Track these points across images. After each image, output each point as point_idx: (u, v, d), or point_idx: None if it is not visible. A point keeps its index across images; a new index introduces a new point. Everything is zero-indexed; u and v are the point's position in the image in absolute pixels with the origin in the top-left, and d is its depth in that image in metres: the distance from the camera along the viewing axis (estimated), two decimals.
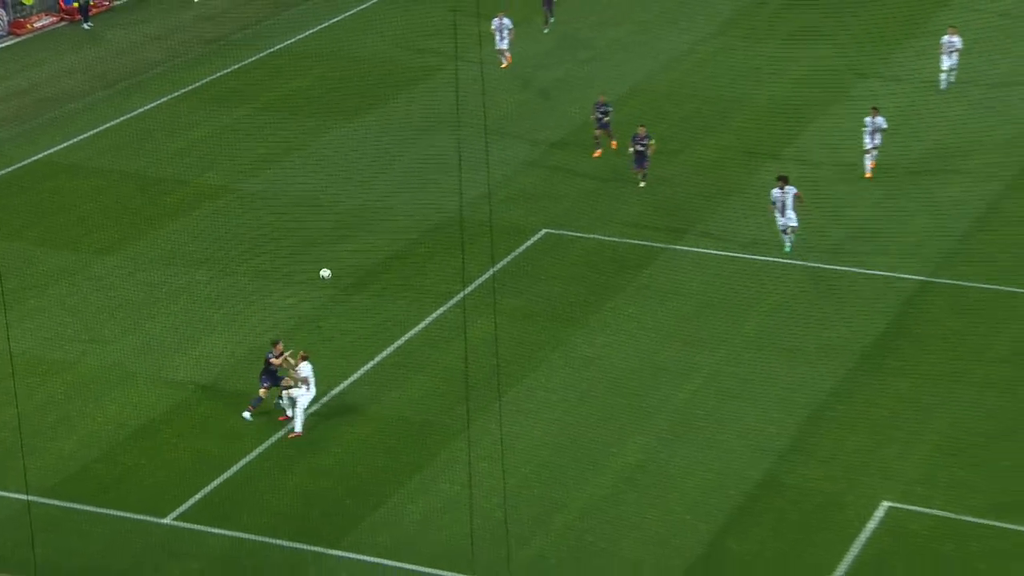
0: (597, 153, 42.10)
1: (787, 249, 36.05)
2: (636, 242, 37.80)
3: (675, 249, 37.52)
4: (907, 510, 27.47)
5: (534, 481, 28.90)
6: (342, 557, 26.93)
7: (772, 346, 33.03)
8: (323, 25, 54.28)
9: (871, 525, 27.12)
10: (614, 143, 41.84)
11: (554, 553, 26.96)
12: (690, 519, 27.65)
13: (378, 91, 48.04)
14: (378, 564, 26.75)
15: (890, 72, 47.30)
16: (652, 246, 37.68)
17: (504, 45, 48.64)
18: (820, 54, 49.11)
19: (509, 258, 37.30)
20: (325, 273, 32.21)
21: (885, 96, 44.97)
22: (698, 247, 37.60)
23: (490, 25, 48.50)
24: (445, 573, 26.37)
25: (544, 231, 38.79)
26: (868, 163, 39.79)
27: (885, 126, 39.56)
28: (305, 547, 27.17)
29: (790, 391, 31.30)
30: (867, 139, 39.58)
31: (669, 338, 33.56)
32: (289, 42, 52.89)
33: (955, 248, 36.70)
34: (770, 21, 52.39)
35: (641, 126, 40.08)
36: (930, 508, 27.49)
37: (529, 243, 38.20)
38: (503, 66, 48.33)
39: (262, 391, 30.82)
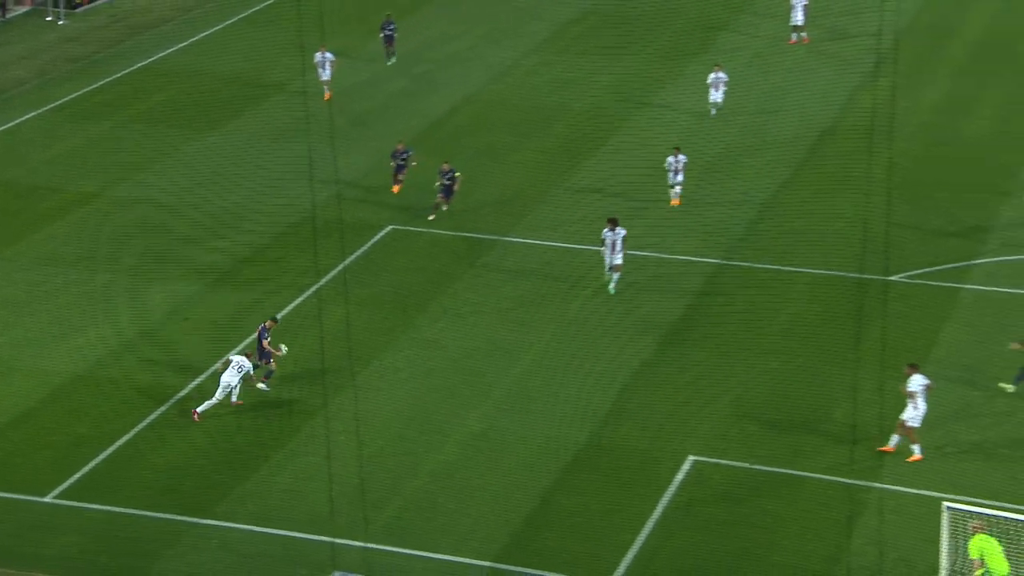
0: (395, 188, 39.59)
1: (611, 291, 34.06)
2: (472, 235, 38.06)
3: (507, 240, 37.90)
4: (709, 462, 28.18)
5: (388, 451, 29.01)
6: (214, 525, 26.68)
7: (594, 324, 33.55)
8: (182, 45, 53.36)
9: (679, 477, 27.78)
10: (396, 187, 39.51)
11: (408, 514, 27.08)
12: (526, 479, 28.03)
13: (235, 104, 47.45)
14: (247, 531, 26.57)
15: (683, 84, 48.32)
16: (486, 238, 37.99)
17: (326, 77, 46.14)
18: (626, 66, 50.01)
19: (359, 252, 37.26)
20: (283, 349, 31.07)
21: (680, 103, 46.01)
22: (527, 238, 37.99)
23: (313, 58, 46.37)
24: (308, 536, 26.30)
25: (390, 227, 38.82)
26: (673, 199, 38.32)
27: (686, 161, 38.48)
28: (179, 518, 26.86)
29: (610, 363, 31.86)
30: (671, 176, 38.29)
31: (503, 320, 33.90)
32: (150, 60, 51.87)
33: (743, 235, 37.73)
34: (583, 39, 53.18)
35: (446, 162, 38.91)
36: (728, 460, 28.26)
37: (376, 238, 38.19)
38: (326, 98, 45.95)
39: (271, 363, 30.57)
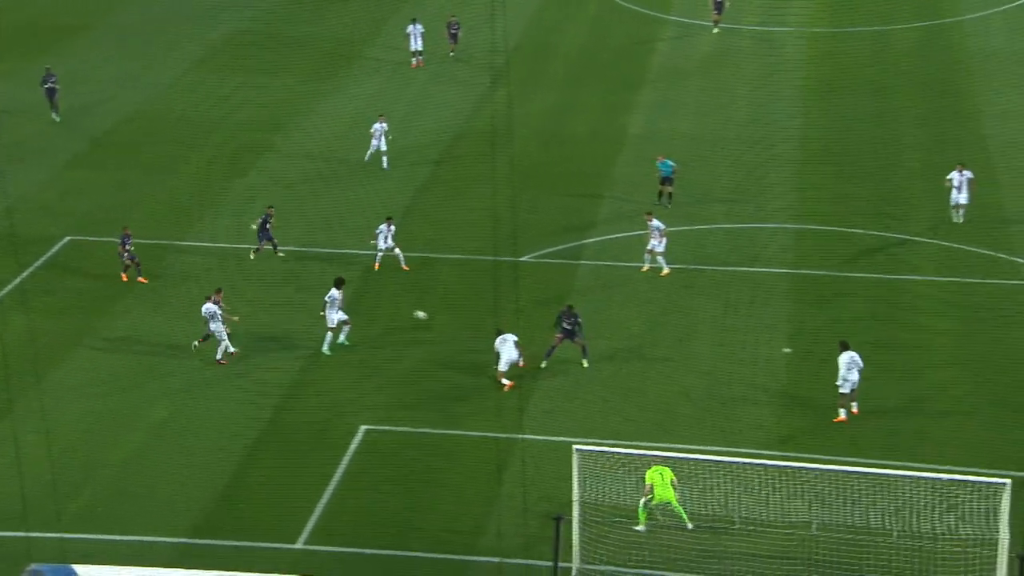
0: (133, 278, 33.81)
1: (346, 342, 30.89)
2: (149, 241, 36.09)
3: (181, 244, 36.29)
4: (380, 430, 28.03)
5: (78, 446, 27.21)
6: None
7: (267, 313, 32.54)
8: None
9: (354, 445, 27.48)
10: (142, 278, 33.79)
11: (100, 502, 25.55)
12: (214, 458, 27.00)
13: None
14: None
15: (330, 98, 47.88)
16: (162, 243, 36.21)
17: None
18: (280, 83, 49.03)
19: (39, 263, 34.67)
20: (421, 314, 29.21)
21: (328, 115, 45.52)
22: (201, 241, 36.50)
23: None
24: (2, 533, 24.28)
25: (68, 238, 36.33)
26: (376, 263, 34.65)
27: (394, 231, 35.03)
28: None
29: (285, 346, 31.07)
30: (380, 243, 34.59)
31: (182, 317, 32.44)
32: None
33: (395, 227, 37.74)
34: (236, 57, 51.66)
35: (270, 207, 35.57)
36: (397, 427, 28.20)
37: (55, 249, 35.66)
38: None
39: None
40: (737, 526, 23.96)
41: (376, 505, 25.72)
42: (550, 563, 23.13)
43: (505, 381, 29.20)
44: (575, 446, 24.04)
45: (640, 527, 24.23)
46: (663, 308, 33.04)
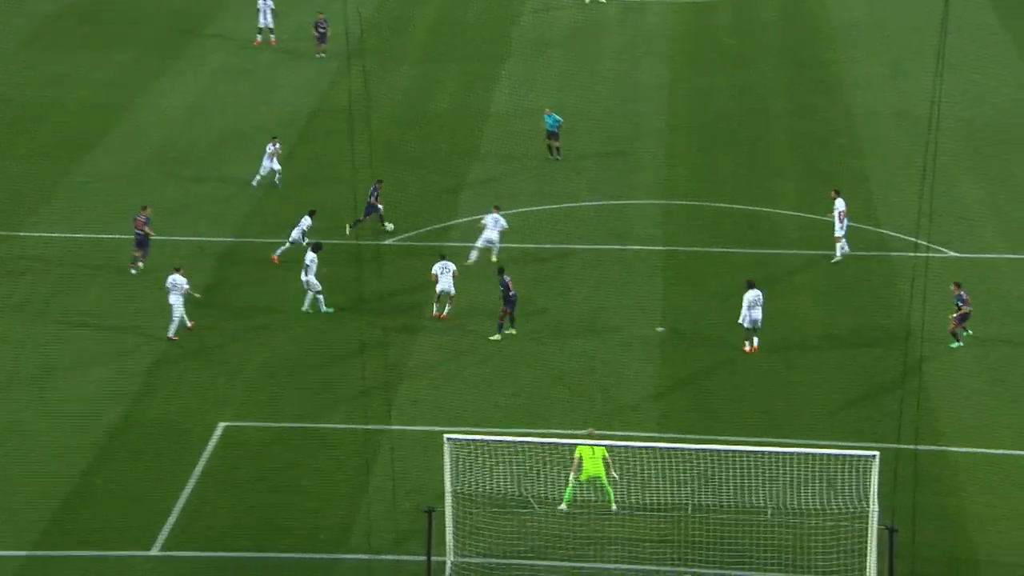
0: None
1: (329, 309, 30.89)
2: None
3: (18, 235, 34.88)
4: (240, 426, 27.46)
5: None
6: None
7: (113, 309, 31.46)
8: None
9: (212, 443, 26.84)
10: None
11: None
12: (59, 465, 26.00)
13: None
14: None
15: (172, 77, 46.65)
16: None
17: None
18: (119, 59, 47.48)
19: None
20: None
21: (172, 94, 44.24)
22: (39, 231, 35.22)
23: None
24: None
25: None
26: (275, 256, 33.46)
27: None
28: None
29: (135, 343, 30.11)
30: (302, 242, 32.81)
31: (21, 314, 31.22)
32: None
33: (251, 212, 36.82)
34: (68, 34, 49.79)
35: (379, 180, 34.67)
36: (258, 422, 27.66)
37: None
38: None
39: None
40: (615, 510, 24.20)
41: (238, 505, 25.15)
42: (423, 558, 22.97)
43: (436, 309, 30.36)
44: (446, 435, 23.89)
45: (562, 506, 24.21)
46: (533, 290, 33.06)
